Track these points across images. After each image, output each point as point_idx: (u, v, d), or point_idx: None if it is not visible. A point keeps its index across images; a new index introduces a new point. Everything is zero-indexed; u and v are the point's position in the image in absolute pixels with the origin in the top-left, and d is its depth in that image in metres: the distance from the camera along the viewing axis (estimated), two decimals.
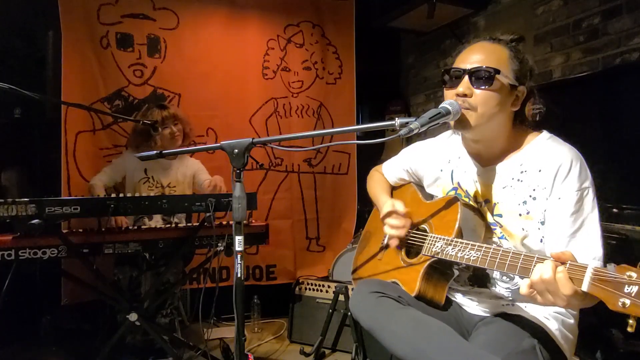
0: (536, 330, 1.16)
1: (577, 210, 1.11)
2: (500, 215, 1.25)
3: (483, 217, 1.29)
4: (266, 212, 3.05)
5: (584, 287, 0.86)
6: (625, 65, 2.10)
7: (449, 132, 1.46)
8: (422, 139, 1.57)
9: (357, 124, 3.54)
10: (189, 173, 2.58)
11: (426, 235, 1.33)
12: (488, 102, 1.17)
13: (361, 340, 2.26)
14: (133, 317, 1.96)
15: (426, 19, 2.93)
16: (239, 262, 1.25)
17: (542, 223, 1.17)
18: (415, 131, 1.06)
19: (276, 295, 2.89)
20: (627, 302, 0.79)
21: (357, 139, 3.28)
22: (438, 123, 1.13)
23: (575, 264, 0.90)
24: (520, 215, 1.20)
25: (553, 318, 1.20)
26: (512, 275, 1.25)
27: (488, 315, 1.29)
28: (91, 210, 1.78)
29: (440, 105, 1.16)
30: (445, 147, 1.44)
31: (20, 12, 2.62)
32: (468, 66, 1.19)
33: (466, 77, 1.18)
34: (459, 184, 1.37)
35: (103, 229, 1.91)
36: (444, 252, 1.21)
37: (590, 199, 1.12)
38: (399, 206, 1.39)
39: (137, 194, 1.87)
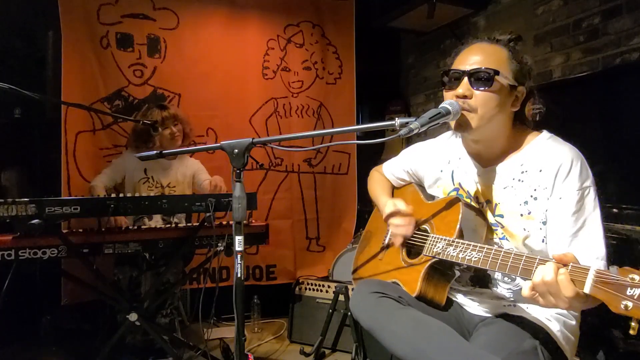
0: (538, 331, 1.16)
1: (578, 210, 1.11)
2: (501, 216, 1.25)
3: (484, 217, 1.29)
4: (266, 212, 3.05)
5: (586, 289, 0.85)
6: (625, 65, 2.10)
7: (449, 132, 1.45)
8: (422, 139, 1.57)
9: (357, 124, 3.54)
10: (189, 173, 2.58)
11: (427, 236, 1.33)
12: (488, 103, 1.17)
13: (361, 340, 2.26)
14: (133, 317, 1.96)
15: (426, 19, 2.93)
16: (239, 262, 1.24)
17: (544, 223, 1.17)
18: (415, 131, 1.06)
19: (276, 295, 2.89)
20: (630, 304, 0.78)
21: (357, 139, 3.28)
22: (438, 123, 1.12)
23: (577, 265, 0.89)
24: (521, 215, 1.20)
25: (555, 319, 1.20)
26: (513, 276, 1.24)
27: (489, 315, 1.29)
28: (91, 210, 1.78)
29: (440, 105, 1.16)
30: (445, 147, 1.44)
31: (20, 12, 2.62)
32: (467, 67, 1.19)
33: (465, 79, 1.18)
34: (460, 184, 1.37)
35: (103, 229, 1.91)
36: (445, 253, 1.21)
37: (591, 198, 1.12)
38: (401, 205, 1.39)
39: (136, 194, 1.87)
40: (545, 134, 1.24)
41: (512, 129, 1.25)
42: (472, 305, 1.33)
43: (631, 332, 0.78)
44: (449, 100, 1.19)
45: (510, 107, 1.21)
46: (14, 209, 1.66)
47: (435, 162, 1.46)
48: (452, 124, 1.21)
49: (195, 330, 2.66)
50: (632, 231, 1.79)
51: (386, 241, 1.56)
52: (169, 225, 2.07)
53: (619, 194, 1.91)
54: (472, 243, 1.15)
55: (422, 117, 1.09)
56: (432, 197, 1.48)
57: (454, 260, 1.18)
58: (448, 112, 1.14)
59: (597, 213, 1.11)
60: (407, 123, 1.07)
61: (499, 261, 1.05)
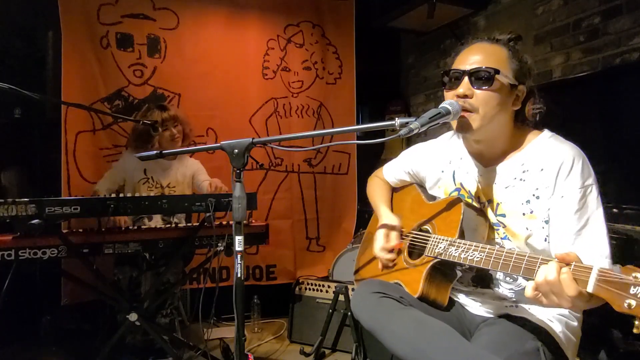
0: (540, 332, 1.15)
1: (581, 208, 1.10)
2: (503, 215, 1.25)
3: (486, 217, 1.29)
4: (266, 212, 3.05)
5: (589, 288, 0.85)
6: (625, 65, 2.10)
7: (450, 132, 1.45)
8: (423, 140, 1.57)
9: (357, 124, 3.54)
10: (189, 173, 2.57)
11: (429, 236, 1.32)
12: (489, 102, 1.17)
13: (361, 340, 2.25)
14: (133, 317, 1.96)
15: (426, 19, 2.93)
16: (239, 262, 1.24)
17: (546, 222, 1.16)
18: (415, 131, 1.06)
19: (276, 295, 2.89)
20: (633, 303, 0.78)
21: (357, 139, 3.29)
22: (438, 123, 1.12)
23: (580, 265, 0.89)
24: (523, 214, 1.20)
25: (557, 320, 1.20)
26: (515, 277, 1.24)
27: (491, 316, 1.29)
28: (91, 210, 1.78)
29: (440, 105, 1.16)
30: (446, 148, 1.44)
31: (20, 12, 2.62)
32: (467, 67, 1.19)
33: (466, 78, 1.18)
34: (461, 184, 1.37)
35: (103, 229, 1.91)
36: (447, 253, 1.21)
37: (594, 196, 1.11)
38: (394, 238, 1.43)
39: (136, 194, 1.87)
40: (546, 132, 1.24)
41: (513, 129, 1.25)
42: (473, 306, 1.33)
43: (635, 330, 0.78)
44: (449, 100, 1.19)
45: (511, 106, 1.22)
46: (14, 209, 1.66)
47: (437, 162, 1.45)
48: (454, 124, 1.21)
49: (195, 330, 2.65)
50: (632, 231, 1.79)
51: None
52: (169, 225, 2.07)
53: (619, 193, 1.91)
54: (474, 243, 1.15)
55: (422, 117, 1.09)
56: (433, 198, 1.48)
57: (455, 261, 1.18)
58: (448, 112, 1.14)
59: (600, 211, 1.11)
60: (407, 123, 1.07)
61: (501, 261, 1.05)
